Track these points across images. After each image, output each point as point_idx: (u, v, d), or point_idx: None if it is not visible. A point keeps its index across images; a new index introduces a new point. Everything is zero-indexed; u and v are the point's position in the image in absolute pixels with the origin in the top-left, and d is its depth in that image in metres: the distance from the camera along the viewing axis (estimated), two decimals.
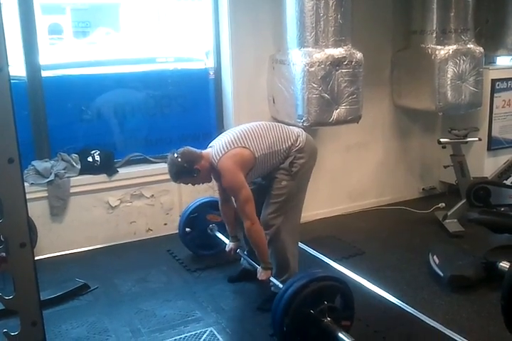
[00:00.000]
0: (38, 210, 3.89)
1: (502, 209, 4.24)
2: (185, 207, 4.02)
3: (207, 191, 4.28)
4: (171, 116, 4.51)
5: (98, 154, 4.14)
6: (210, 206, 3.86)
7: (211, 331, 2.96)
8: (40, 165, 3.97)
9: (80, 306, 3.29)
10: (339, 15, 3.93)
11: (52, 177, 3.92)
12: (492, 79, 4.75)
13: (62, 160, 4.07)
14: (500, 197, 4.18)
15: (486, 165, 4.84)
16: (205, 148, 3.13)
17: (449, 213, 4.42)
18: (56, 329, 3.00)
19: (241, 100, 4.35)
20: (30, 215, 2.77)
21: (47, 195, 3.94)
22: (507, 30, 4.84)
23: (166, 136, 4.49)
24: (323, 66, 3.90)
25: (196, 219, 3.88)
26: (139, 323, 3.07)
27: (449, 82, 4.39)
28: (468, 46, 4.47)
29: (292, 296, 2.56)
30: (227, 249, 3.46)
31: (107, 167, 4.16)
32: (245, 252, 3.42)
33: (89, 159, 4.12)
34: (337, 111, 4.02)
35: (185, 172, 3.00)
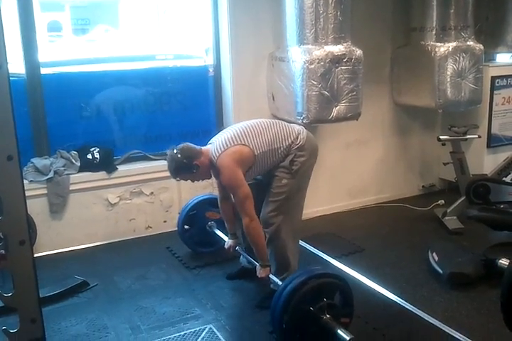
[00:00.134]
0: (37, 207, 3.89)
1: (501, 206, 4.25)
2: (184, 204, 4.03)
3: (206, 188, 4.28)
4: (170, 113, 4.51)
5: (97, 151, 4.13)
6: (208, 203, 3.86)
7: (210, 328, 2.96)
8: (39, 162, 3.97)
9: (80, 303, 3.29)
10: (339, 13, 3.93)
11: (51, 174, 3.92)
12: (492, 77, 4.75)
13: (62, 157, 4.07)
14: (500, 194, 4.18)
15: (485, 163, 4.84)
16: (205, 145, 3.13)
17: (448, 210, 4.42)
18: (55, 326, 3.01)
19: (240, 97, 4.35)
20: (29, 212, 2.79)
21: (46, 192, 3.94)
22: (507, 27, 4.83)
23: (165, 133, 4.49)
24: (322, 63, 3.90)
25: (195, 217, 3.88)
26: (139, 320, 3.07)
27: (448, 79, 4.39)
28: (468, 43, 4.46)
29: (291, 293, 2.56)
30: (226, 246, 3.46)
31: (107, 164, 4.16)
32: (244, 249, 3.42)
33: (89, 156, 4.11)
34: (337, 108, 4.02)
35: (185, 168, 3.00)
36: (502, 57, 5.09)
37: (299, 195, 3.17)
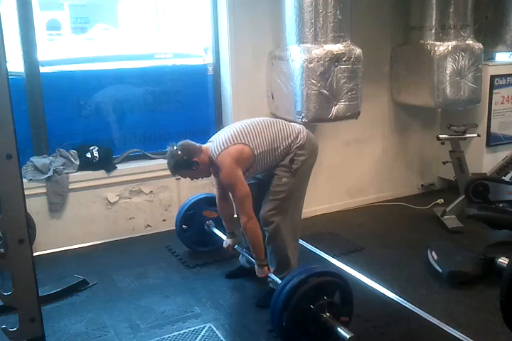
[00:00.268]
0: (36, 206, 3.88)
1: (500, 205, 4.25)
2: (183, 203, 4.02)
3: (205, 187, 4.28)
4: (169, 112, 4.50)
5: (97, 150, 4.13)
6: (205, 202, 3.86)
7: (210, 327, 2.96)
8: (38, 161, 3.96)
9: (79, 302, 3.29)
10: (338, 11, 3.92)
11: (50, 173, 3.91)
12: (491, 76, 4.74)
13: (61, 156, 4.07)
14: (499, 193, 4.18)
15: (484, 162, 4.84)
16: (205, 143, 3.12)
17: (447, 209, 4.42)
18: (55, 325, 3.00)
19: (240, 96, 4.35)
20: (28, 211, 2.78)
21: (45, 191, 3.94)
22: (506, 26, 4.82)
23: (164, 132, 4.48)
24: (322, 62, 3.89)
25: (192, 216, 3.87)
26: (138, 319, 3.07)
27: (448, 78, 4.39)
28: (468, 42, 4.46)
29: (291, 291, 2.55)
30: (224, 245, 3.46)
31: (106, 163, 4.15)
32: (244, 250, 3.41)
33: (88, 155, 4.11)
34: (336, 107, 4.02)
35: (184, 164, 2.99)
36: (501, 56, 5.09)
37: (298, 194, 3.17)
